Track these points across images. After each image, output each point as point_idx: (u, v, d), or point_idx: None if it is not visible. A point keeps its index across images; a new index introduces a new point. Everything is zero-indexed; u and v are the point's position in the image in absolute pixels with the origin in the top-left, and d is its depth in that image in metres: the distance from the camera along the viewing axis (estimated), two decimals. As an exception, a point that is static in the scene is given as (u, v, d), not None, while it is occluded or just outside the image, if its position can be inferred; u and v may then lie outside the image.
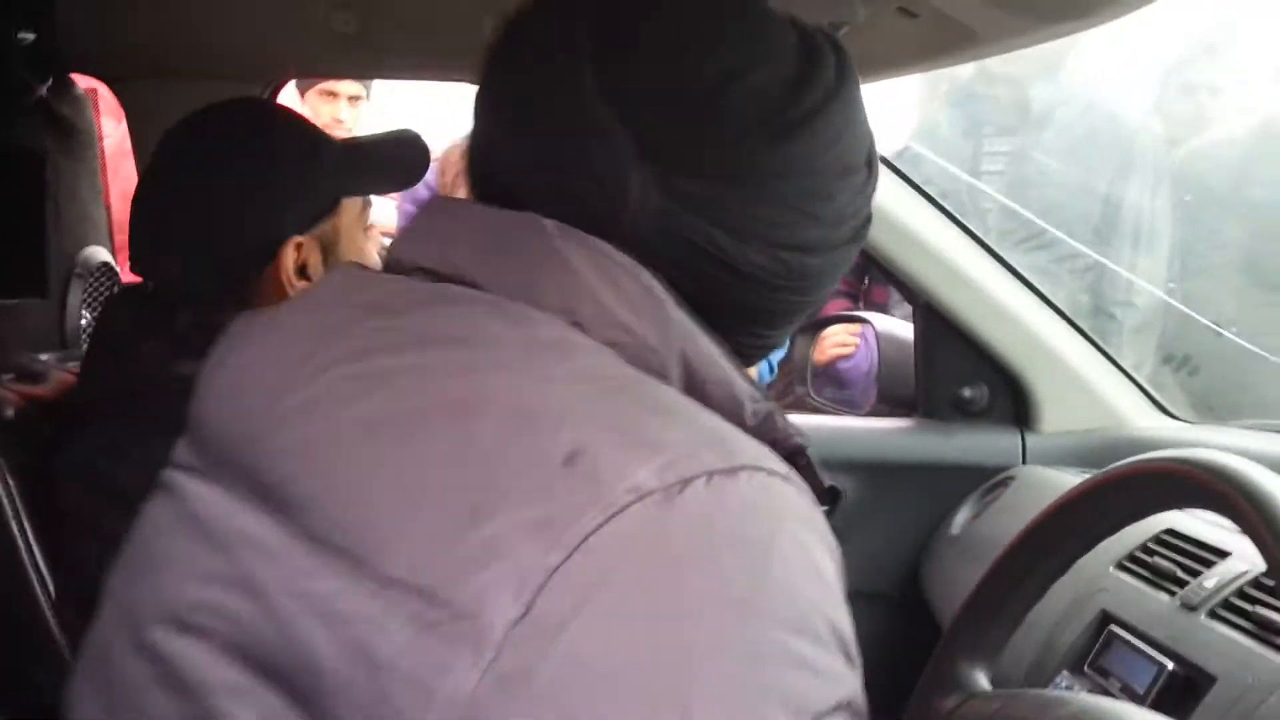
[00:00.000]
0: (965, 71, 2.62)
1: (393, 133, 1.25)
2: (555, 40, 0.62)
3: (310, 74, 2.50)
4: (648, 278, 0.58)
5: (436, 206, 0.65)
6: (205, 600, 0.52)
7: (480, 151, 0.66)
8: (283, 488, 0.52)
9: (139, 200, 1.13)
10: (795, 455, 0.62)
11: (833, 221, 0.63)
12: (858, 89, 0.66)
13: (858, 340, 2.21)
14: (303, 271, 1.11)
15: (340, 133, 2.81)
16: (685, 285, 0.60)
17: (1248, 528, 0.69)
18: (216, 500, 0.56)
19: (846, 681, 0.49)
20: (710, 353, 0.60)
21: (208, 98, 1.18)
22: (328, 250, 1.13)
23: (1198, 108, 2.52)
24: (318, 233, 1.13)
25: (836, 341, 2.24)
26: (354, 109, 2.88)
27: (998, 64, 2.48)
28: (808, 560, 0.49)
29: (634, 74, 0.60)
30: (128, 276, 1.28)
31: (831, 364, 2.22)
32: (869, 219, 0.67)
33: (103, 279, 1.49)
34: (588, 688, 0.43)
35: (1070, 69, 2.64)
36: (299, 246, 1.10)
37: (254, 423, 0.56)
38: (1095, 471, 0.89)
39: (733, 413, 0.59)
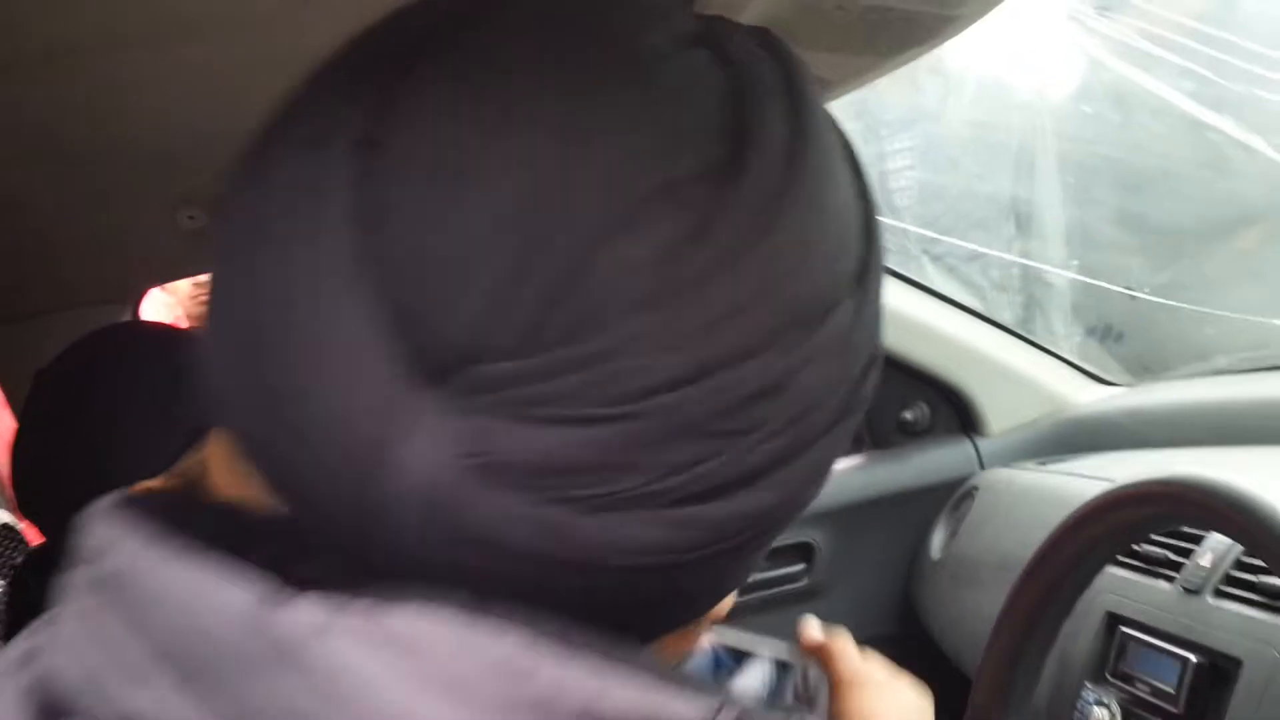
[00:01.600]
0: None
1: None
2: (301, 174, 0.32)
3: (171, 278, 2.38)
4: (501, 648, 0.30)
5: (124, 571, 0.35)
6: None
7: (208, 380, 0.37)
8: None
9: (12, 451, 1.04)
10: None
11: (799, 417, 0.32)
12: (831, 133, 0.35)
13: None
14: None
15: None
16: (550, 606, 0.32)
17: (1248, 542, 0.66)
18: None
19: None
20: (621, 697, 0.31)
21: (72, 326, 1.11)
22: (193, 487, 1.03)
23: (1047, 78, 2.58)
24: (178, 472, 1.02)
25: None
26: None
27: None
28: None
29: (397, 245, 0.30)
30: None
31: None
32: (875, 361, 0.36)
33: (5, 542, 1.40)
34: None
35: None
36: None
37: None
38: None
39: None
